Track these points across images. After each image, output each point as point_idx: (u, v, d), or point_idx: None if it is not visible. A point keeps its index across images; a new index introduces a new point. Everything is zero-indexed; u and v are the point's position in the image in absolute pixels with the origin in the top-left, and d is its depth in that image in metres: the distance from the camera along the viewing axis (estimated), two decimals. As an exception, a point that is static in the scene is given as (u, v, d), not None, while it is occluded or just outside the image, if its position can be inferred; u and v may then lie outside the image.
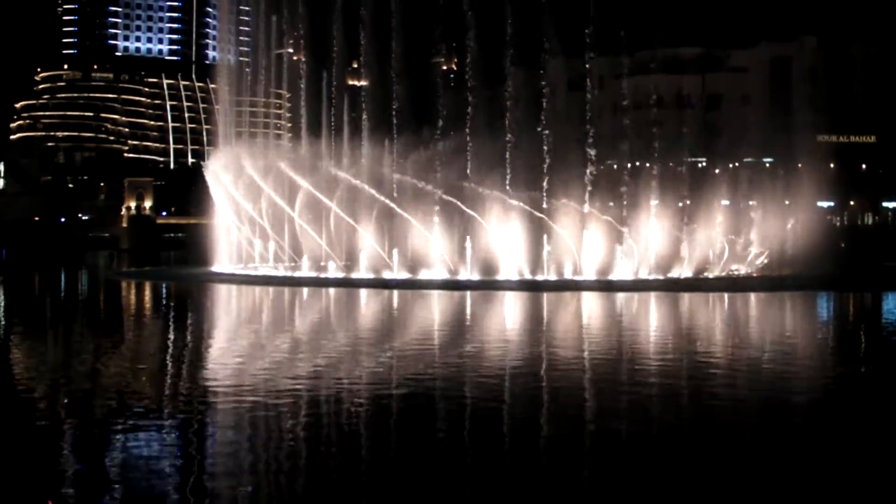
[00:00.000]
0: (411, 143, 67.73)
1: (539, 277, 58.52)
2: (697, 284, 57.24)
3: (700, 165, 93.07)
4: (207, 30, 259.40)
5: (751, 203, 72.56)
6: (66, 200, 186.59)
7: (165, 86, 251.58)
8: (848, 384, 22.35)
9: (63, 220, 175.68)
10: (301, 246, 66.97)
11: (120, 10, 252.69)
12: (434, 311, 42.88)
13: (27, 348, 29.00)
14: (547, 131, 62.29)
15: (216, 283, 59.59)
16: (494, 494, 13.04)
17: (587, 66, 65.28)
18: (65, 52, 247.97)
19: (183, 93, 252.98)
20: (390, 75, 68.02)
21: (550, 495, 12.92)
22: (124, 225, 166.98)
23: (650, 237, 63.39)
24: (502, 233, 60.77)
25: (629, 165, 68.82)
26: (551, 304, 45.57)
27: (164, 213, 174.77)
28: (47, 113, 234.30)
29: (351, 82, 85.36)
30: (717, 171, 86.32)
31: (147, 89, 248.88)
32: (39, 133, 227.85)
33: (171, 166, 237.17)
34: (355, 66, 78.86)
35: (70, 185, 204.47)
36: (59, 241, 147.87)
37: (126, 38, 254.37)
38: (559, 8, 63.82)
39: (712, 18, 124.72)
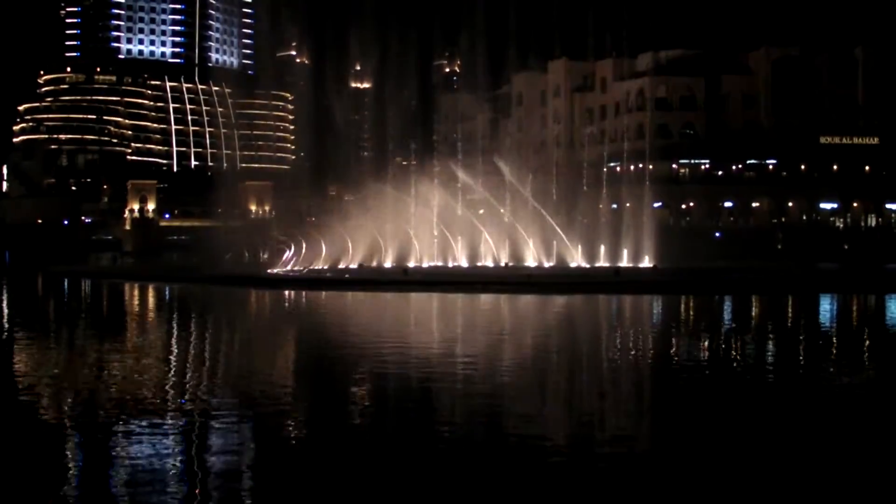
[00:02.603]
0: None
1: None
2: None
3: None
4: (210, 32, 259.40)
5: None
6: (69, 203, 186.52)
7: (168, 88, 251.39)
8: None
9: (66, 222, 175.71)
10: None
11: (122, 12, 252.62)
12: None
13: (30, 352, 28.98)
14: None
15: (217, 285, 59.60)
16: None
17: None
18: (68, 54, 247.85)
19: (186, 95, 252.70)
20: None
21: None
22: (127, 227, 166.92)
23: None
24: None
25: None
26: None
27: (168, 216, 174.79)
28: (50, 116, 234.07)
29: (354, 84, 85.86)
30: None
31: (150, 92, 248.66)
32: (42, 136, 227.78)
33: (174, 169, 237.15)
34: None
35: (73, 188, 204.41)
36: (63, 243, 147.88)
37: (129, 41, 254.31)
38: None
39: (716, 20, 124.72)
